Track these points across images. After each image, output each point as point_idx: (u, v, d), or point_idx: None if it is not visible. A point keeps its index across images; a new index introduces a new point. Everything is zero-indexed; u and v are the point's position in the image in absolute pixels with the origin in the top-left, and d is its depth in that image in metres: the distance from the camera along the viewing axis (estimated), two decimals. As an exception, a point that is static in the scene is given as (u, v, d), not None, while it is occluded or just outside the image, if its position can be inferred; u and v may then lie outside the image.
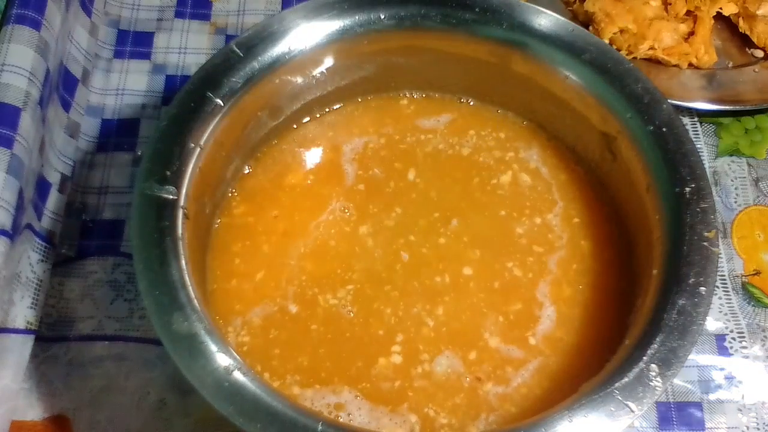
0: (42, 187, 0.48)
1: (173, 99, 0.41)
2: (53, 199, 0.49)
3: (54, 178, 0.49)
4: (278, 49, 0.43)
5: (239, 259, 0.44)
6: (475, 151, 0.48)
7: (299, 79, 0.45)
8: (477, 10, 0.45)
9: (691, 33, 0.56)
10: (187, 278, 0.37)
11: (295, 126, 0.48)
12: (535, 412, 0.36)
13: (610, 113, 0.44)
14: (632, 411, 0.34)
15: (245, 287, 0.43)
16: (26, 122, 0.45)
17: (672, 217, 0.40)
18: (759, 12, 0.57)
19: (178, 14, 0.59)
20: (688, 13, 0.58)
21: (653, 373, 0.35)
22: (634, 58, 0.56)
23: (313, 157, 0.48)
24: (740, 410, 0.46)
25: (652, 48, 0.56)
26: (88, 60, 0.55)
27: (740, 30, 0.58)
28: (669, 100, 0.43)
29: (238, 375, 0.34)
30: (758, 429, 0.45)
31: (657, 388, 0.35)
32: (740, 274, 0.50)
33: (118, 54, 0.57)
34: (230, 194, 0.46)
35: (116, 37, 0.58)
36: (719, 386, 0.46)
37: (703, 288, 0.37)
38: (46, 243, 0.48)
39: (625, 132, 0.43)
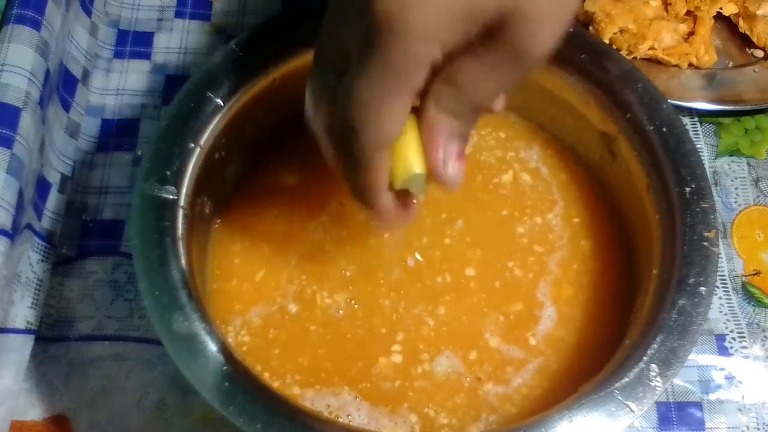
0: (42, 187, 0.48)
1: (173, 99, 0.41)
2: (53, 199, 0.49)
3: (54, 178, 0.49)
4: (278, 49, 0.43)
5: (239, 259, 0.44)
6: (476, 150, 0.48)
7: (299, 79, 0.45)
8: (477, 10, 0.45)
9: (691, 33, 0.56)
10: (187, 278, 0.37)
11: (295, 126, 0.48)
12: (535, 412, 0.36)
13: (610, 113, 0.44)
14: (632, 411, 0.34)
15: (245, 287, 0.43)
16: (26, 122, 0.45)
17: (672, 217, 0.40)
18: (759, 12, 0.57)
19: (178, 14, 0.59)
20: (688, 13, 0.58)
21: (653, 373, 0.35)
22: (634, 58, 0.56)
23: (313, 156, 0.48)
24: (740, 410, 0.46)
25: (652, 48, 0.56)
26: (88, 60, 0.55)
27: (740, 30, 0.58)
28: (669, 100, 0.43)
29: (238, 375, 0.34)
30: (758, 429, 0.45)
31: (657, 388, 0.35)
32: (740, 274, 0.50)
33: (118, 54, 0.57)
34: (230, 194, 0.46)
35: (116, 37, 0.58)
36: (719, 386, 0.46)
37: (703, 288, 0.37)
38: (46, 243, 0.48)
39: (625, 132, 0.43)
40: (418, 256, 0.44)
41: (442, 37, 0.29)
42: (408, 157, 0.33)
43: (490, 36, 0.29)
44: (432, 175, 0.33)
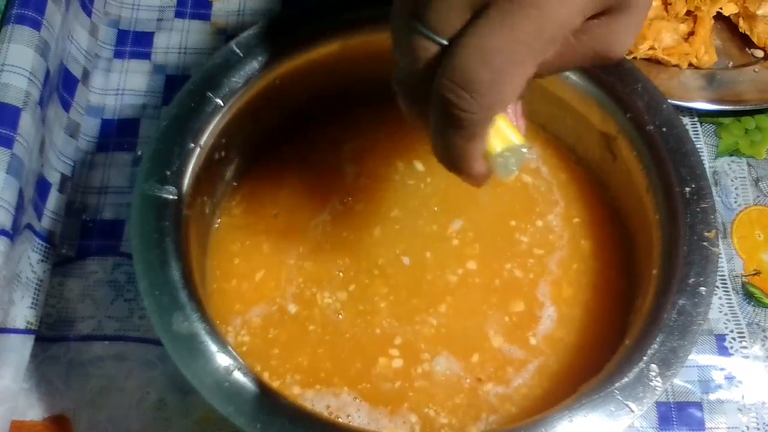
0: (42, 187, 0.48)
1: (173, 99, 0.41)
2: (53, 199, 0.49)
3: (54, 178, 0.49)
4: (278, 49, 0.43)
5: (239, 258, 0.44)
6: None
7: (299, 79, 0.45)
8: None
9: (691, 33, 0.56)
10: (187, 278, 0.37)
11: (295, 125, 0.48)
12: (535, 412, 0.36)
13: (610, 113, 0.44)
14: (632, 411, 0.34)
15: (245, 287, 0.43)
16: (26, 122, 0.45)
17: (672, 217, 0.40)
18: (759, 12, 0.57)
19: (178, 14, 0.59)
20: (688, 13, 0.58)
21: (653, 373, 0.35)
22: (634, 58, 0.56)
23: (313, 156, 0.48)
24: (740, 410, 0.46)
25: (652, 48, 0.56)
26: (88, 60, 0.55)
27: (740, 30, 0.58)
28: (669, 100, 0.43)
29: (238, 375, 0.34)
30: (758, 429, 0.45)
31: (657, 388, 0.35)
32: (740, 274, 0.50)
33: (118, 54, 0.57)
34: (230, 194, 0.46)
35: (116, 37, 0.58)
36: (719, 386, 0.46)
37: (703, 288, 0.37)
38: (46, 243, 0.48)
39: (625, 132, 0.43)
40: (406, 255, 0.44)
41: (586, 11, 0.28)
42: (510, 126, 0.32)
43: (593, 19, 0.29)
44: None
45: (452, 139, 0.31)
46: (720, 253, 0.47)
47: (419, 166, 0.47)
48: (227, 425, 0.33)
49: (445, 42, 0.29)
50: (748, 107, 0.54)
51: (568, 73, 0.44)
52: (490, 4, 0.28)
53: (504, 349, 0.42)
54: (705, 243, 0.39)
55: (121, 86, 0.56)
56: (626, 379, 0.35)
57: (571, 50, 0.30)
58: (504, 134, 0.32)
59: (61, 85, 0.51)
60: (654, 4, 0.58)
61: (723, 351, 0.47)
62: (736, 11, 0.58)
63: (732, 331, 0.48)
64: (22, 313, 0.45)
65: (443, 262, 0.44)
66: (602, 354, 0.38)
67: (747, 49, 0.58)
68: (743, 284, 0.50)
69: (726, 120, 0.55)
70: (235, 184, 0.46)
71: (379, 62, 0.47)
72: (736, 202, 0.52)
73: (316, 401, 0.40)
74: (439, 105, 0.30)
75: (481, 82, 0.28)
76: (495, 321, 0.43)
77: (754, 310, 0.49)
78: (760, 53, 0.58)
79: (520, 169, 0.33)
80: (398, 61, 0.31)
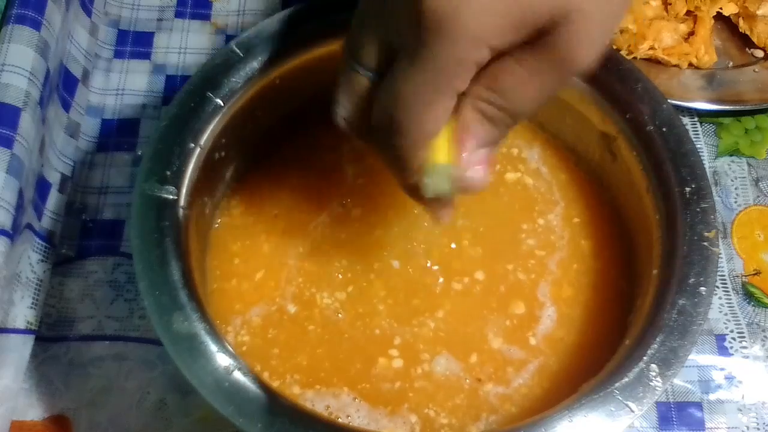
0: (42, 187, 0.48)
1: (173, 99, 0.41)
2: (53, 199, 0.49)
3: (54, 178, 0.49)
4: (278, 49, 0.43)
5: (239, 258, 0.44)
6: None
7: (299, 79, 0.45)
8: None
9: (691, 33, 0.56)
10: (187, 278, 0.37)
11: (295, 125, 0.48)
12: (535, 412, 0.36)
13: (609, 113, 0.44)
14: (632, 411, 0.34)
15: (245, 287, 0.43)
16: (26, 122, 0.45)
17: (672, 217, 0.40)
18: (759, 12, 0.57)
19: (178, 14, 0.59)
20: (688, 13, 0.58)
21: (653, 373, 0.35)
22: (634, 58, 0.56)
23: (313, 156, 0.48)
24: (740, 410, 0.46)
25: (652, 48, 0.56)
26: (88, 60, 0.55)
27: (740, 30, 0.58)
28: (669, 100, 0.43)
29: (238, 375, 0.34)
30: (758, 429, 0.45)
31: (657, 388, 0.35)
32: (740, 274, 0.50)
33: (118, 54, 0.57)
34: (230, 194, 0.46)
35: (116, 37, 0.58)
36: (719, 386, 0.46)
37: (703, 288, 0.37)
38: (46, 243, 0.48)
39: (625, 132, 0.43)
40: (407, 254, 0.44)
41: (492, 41, 0.28)
42: (434, 148, 0.32)
43: (537, 40, 0.29)
44: (454, 177, 0.32)
45: (392, 169, 0.34)
46: (720, 253, 0.48)
47: (419, 166, 0.47)
48: (227, 425, 0.33)
49: (369, 74, 0.32)
50: (748, 107, 0.55)
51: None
52: (401, 45, 0.30)
53: (504, 349, 0.42)
54: (705, 243, 0.39)
55: (121, 86, 0.56)
56: (626, 379, 0.35)
57: (526, 78, 0.30)
58: (433, 153, 0.32)
59: (61, 85, 0.51)
60: (654, 4, 0.58)
61: (723, 351, 0.47)
62: (736, 11, 0.58)
63: (732, 331, 0.48)
64: (22, 313, 0.45)
65: (444, 265, 0.44)
66: (602, 354, 0.38)
67: (747, 49, 0.58)
68: (743, 284, 0.50)
69: (726, 120, 0.55)
70: (235, 184, 0.46)
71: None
72: (736, 202, 0.52)
73: (316, 401, 0.40)
74: (374, 141, 0.34)
75: (401, 122, 0.31)
76: (495, 321, 0.42)
77: (754, 310, 0.49)
78: (760, 53, 0.58)
79: (452, 186, 0.33)
80: (340, 101, 0.35)
